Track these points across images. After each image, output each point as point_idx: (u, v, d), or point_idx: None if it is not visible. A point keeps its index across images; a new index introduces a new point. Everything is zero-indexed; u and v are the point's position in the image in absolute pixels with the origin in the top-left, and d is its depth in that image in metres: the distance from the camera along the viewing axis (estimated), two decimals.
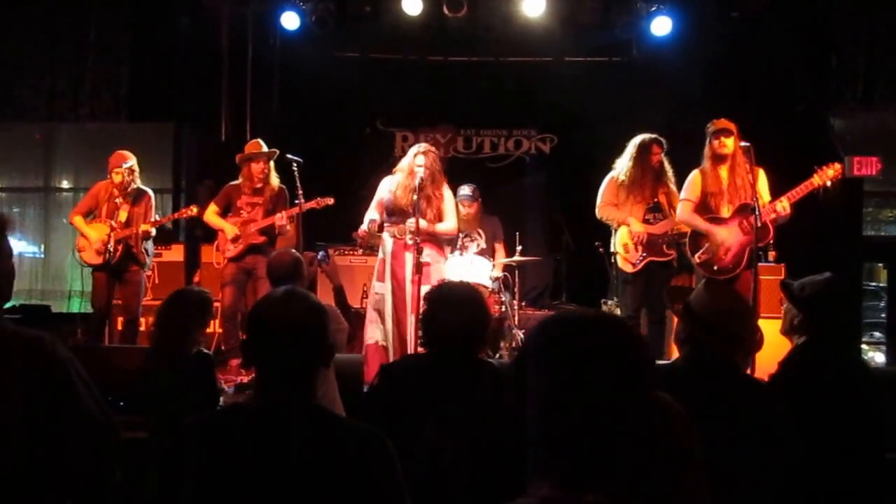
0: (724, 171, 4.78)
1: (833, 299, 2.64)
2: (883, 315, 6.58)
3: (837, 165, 4.50)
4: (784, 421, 2.29)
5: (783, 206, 4.58)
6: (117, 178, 5.43)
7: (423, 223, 4.75)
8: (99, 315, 5.55)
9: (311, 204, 5.41)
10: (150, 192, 5.64)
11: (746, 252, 4.64)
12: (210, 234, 6.62)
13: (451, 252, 5.59)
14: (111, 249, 5.33)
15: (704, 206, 4.83)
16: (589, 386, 1.03)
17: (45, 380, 1.58)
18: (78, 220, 5.54)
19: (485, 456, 2.26)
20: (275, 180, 5.57)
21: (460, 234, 5.99)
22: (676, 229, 5.07)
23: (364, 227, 4.93)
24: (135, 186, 5.52)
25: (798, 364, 2.65)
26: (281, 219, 5.34)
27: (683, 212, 4.88)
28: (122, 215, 5.45)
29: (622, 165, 5.19)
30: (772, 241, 4.72)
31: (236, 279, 5.46)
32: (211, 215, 5.64)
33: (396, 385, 2.47)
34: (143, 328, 5.96)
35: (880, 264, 6.85)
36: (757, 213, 4.47)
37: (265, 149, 5.54)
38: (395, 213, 4.89)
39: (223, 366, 5.13)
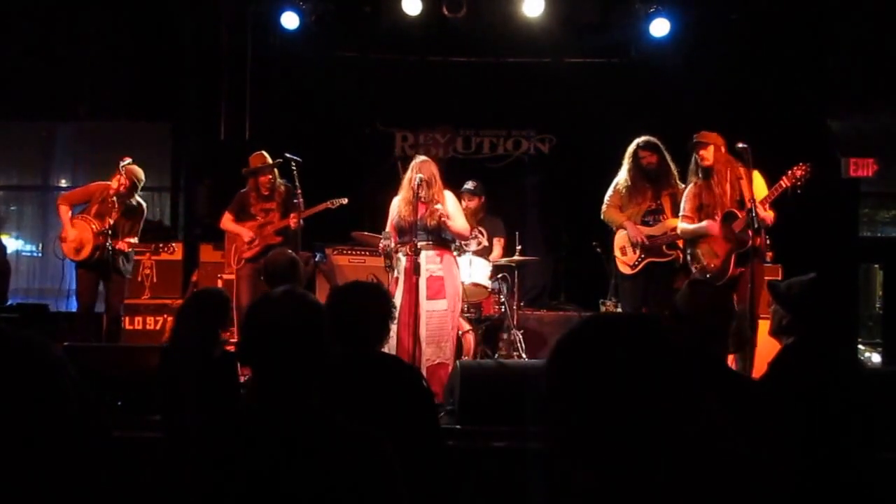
0: (713, 182, 4.83)
1: (819, 298, 2.65)
2: None
3: (804, 166, 4.54)
4: (775, 421, 2.30)
5: (760, 209, 4.59)
6: (114, 185, 5.48)
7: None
8: (85, 310, 5.61)
9: (326, 204, 5.59)
10: (145, 206, 5.74)
11: (732, 257, 4.70)
12: (209, 234, 6.64)
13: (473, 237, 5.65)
14: (92, 251, 5.42)
15: (702, 218, 4.91)
16: (623, 390, 1.02)
17: (32, 381, 1.59)
18: (64, 211, 5.57)
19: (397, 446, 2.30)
20: (280, 183, 5.67)
21: None
22: (673, 234, 5.10)
23: (384, 242, 4.97)
24: (132, 202, 5.58)
25: (787, 365, 2.66)
26: (296, 221, 5.44)
27: (682, 227, 4.99)
28: (109, 222, 5.47)
29: (621, 172, 5.24)
30: (761, 244, 4.74)
31: (251, 279, 5.52)
32: (227, 223, 5.76)
33: None
34: (128, 326, 6.04)
35: (876, 265, 6.87)
36: (753, 215, 4.49)
37: (269, 160, 5.63)
38: (404, 231, 4.91)
39: None
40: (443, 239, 4.90)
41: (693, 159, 4.87)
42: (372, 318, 2.52)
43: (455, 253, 5.13)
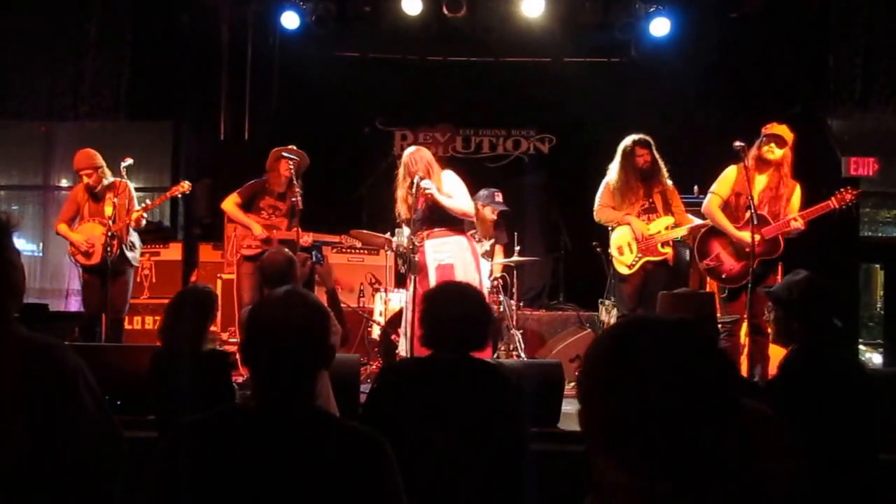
0: (763, 177, 4.74)
1: (820, 295, 2.66)
2: None
3: (854, 191, 4.50)
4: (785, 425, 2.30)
5: (798, 224, 4.57)
6: (86, 181, 5.49)
7: (436, 195, 4.51)
8: (91, 316, 5.57)
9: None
10: (120, 179, 5.57)
11: (755, 262, 4.47)
12: (209, 234, 6.63)
13: (478, 241, 5.39)
14: (109, 246, 5.36)
15: (729, 205, 4.80)
16: (659, 392, 1.02)
17: (50, 387, 1.58)
18: (63, 228, 5.56)
19: (487, 456, 2.27)
20: (297, 188, 5.58)
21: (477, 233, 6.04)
22: (677, 227, 5.08)
23: (396, 241, 4.87)
24: (107, 182, 5.53)
25: (796, 368, 2.66)
26: (306, 239, 5.35)
27: (709, 204, 4.85)
28: (108, 210, 5.45)
29: (612, 171, 5.21)
30: (780, 255, 4.68)
31: (252, 277, 5.47)
32: (233, 206, 5.54)
33: (395, 387, 2.47)
34: (127, 325, 6.02)
35: (877, 265, 6.86)
36: (752, 211, 4.45)
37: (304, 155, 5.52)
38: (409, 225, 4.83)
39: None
40: (450, 219, 4.62)
41: (758, 146, 4.65)
42: (473, 321, 2.44)
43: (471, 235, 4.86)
